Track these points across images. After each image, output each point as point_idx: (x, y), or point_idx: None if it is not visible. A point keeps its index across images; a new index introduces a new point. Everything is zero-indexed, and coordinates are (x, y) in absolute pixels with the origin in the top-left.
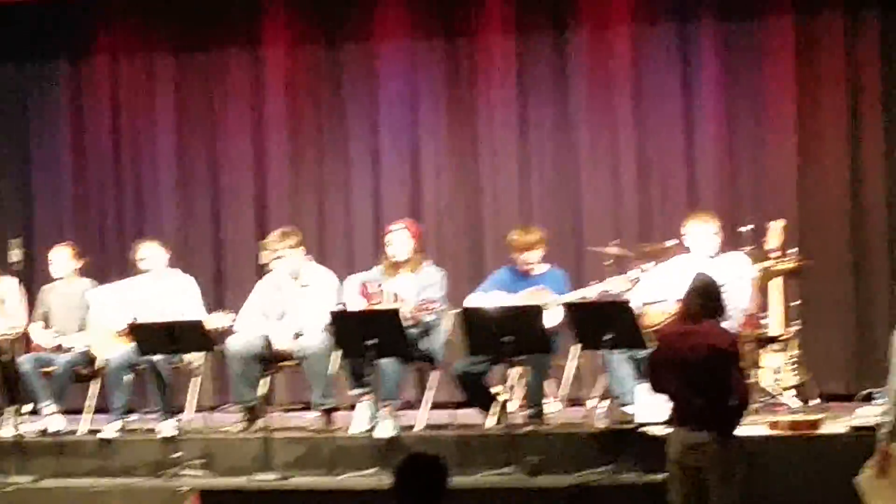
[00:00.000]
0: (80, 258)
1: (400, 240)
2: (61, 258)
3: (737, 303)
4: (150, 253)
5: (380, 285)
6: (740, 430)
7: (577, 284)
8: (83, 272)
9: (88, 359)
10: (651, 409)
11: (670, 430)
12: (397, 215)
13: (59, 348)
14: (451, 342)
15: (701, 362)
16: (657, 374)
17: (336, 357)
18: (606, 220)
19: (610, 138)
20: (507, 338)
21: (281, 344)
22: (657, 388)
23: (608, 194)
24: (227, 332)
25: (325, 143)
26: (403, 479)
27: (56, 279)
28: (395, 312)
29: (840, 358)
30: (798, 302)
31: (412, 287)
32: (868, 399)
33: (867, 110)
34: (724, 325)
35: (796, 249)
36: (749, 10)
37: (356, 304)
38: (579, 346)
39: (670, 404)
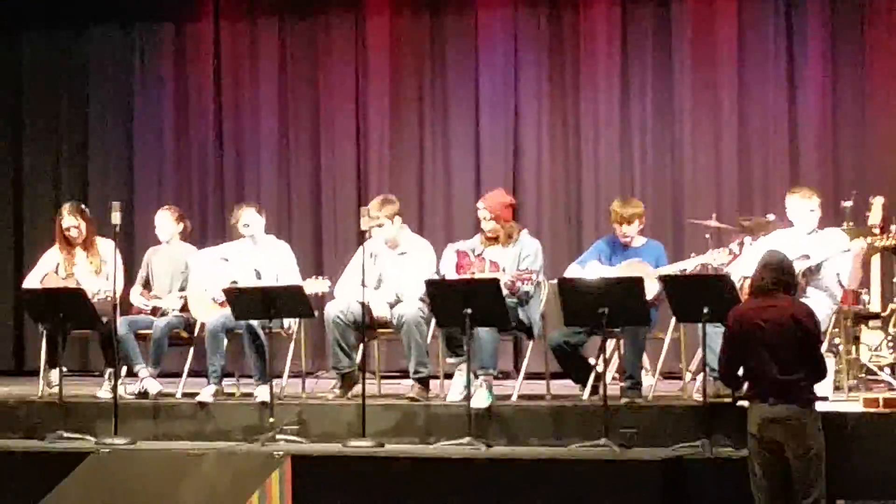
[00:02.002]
0: (182, 221)
1: (483, 217)
2: (165, 222)
3: (838, 278)
4: (253, 218)
5: (478, 254)
6: (836, 406)
7: (676, 256)
8: (185, 236)
9: (187, 322)
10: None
11: (747, 404)
12: (496, 185)
13: (156, 311)
14: (547, 313)
15: (782, 335)
16: (734, 350)
17: (433, 325)
18: (707, 193)
19: (712, 111)
20: (604, 309)
21: (378, 311)
22: (733, 365)
23: (709, 167)
24: (325, 297)
25: (425, 111)
26: None
27: (160, 242)
28: (494, 282)
29: None
30: None
31: (510, 257)
32: None
33: None
34: (825, 300)
35: (894, 226)
36: None
37: (449, 268)
38: (677, 319)
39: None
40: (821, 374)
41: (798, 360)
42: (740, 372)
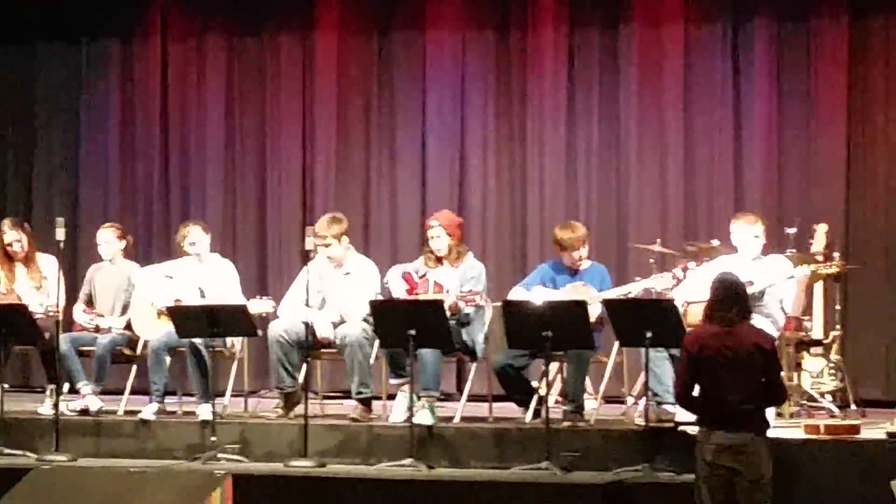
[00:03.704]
0: (124, 239)
1: (437, 235)
2: (107, 239)
3: (781, 305)
4: (199, 236)
5: (422, 275)
6: (778, 433)
7: (620, 280)
8: (127, 253)
9: (130, 340)
10: None
11: (698, 430)
12: (442, 207)
13: (98, 328)
14: (491, 335)
15: (745, 362)
16: (692, 374)
17: (376, 346)
18: (651, 218)
19: (658, 136)
20: (548, 332)
21: (322, 331)
22: (690, 388)
23: (654, 192)
24: (269, 317)
25: (372, 131)
26: None
27: (103, 260)
28: (439, 303)
29: (880, 364)
30: (839, 307)
31: (454, 278)
32: None
33: None
34: (768, 327)
35: (837, 254)
36: (803, 12)
37: (400, 292)
38: (620, 343)
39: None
40: (781, 398)
41: (758, 387)
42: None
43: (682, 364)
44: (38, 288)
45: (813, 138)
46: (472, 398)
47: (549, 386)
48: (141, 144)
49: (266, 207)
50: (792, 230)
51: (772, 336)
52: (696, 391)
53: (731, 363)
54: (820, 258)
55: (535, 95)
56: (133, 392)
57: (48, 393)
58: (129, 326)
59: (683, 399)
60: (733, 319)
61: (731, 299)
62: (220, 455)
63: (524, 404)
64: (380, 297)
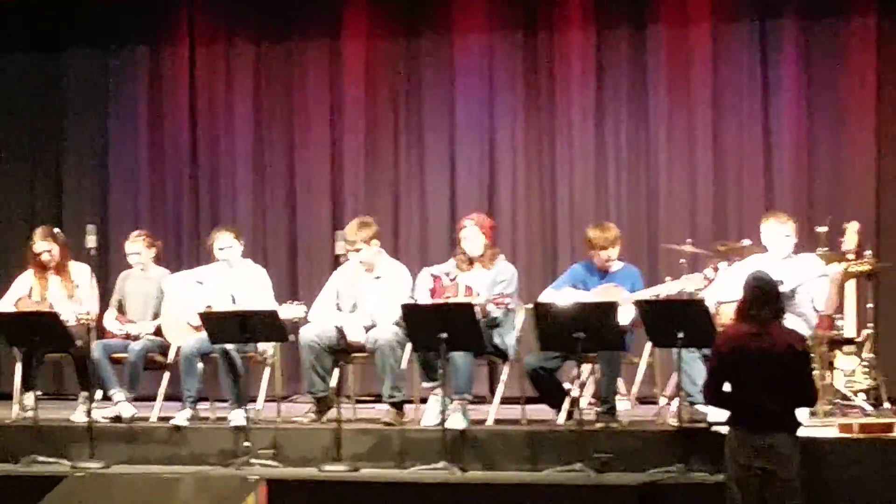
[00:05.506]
0: (153, 246)
1: (472, 236)
2: (136, 249)
3: (813, 303)
4: (229, 242)
5: (453, 278)
6: (811, 432)
7: (651, 282)
8: (158, 258)
9: (162, 346)
10: None
11: (727, 431)
12: (471, 209)
13: (129, 336)
14: (523, 337)
15: (779, 364)
16: (724, 373)
17: (408, 349)
18: (682, 218)
19: (687, 135)
20: (580, 334)
21: (353, 335)
22: (719, 390)
23: (684, 192)
24: (300, 322)
25: (401, 135)
26: None
27: (133, 267)
28: (469, 306)
29: None
30: (871, 305)
31: (485, 281)
32: None
33: None
34: (800, 325)
35: (868, 252)
36: (831, 9)
37: (426, 297)
38: (652, 343)
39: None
40: (813, 399)
41: (791, 389)
42: (727, 387)
43: (713, 362)
44: (70, 296)
45: (843, 136)
46: (505, 401)
47: (582, 387)
48: (170, 150)
49: (296, 212)
50: (823, 229)
51: (804, 336)
52: (727, 388)
53: (765, 364)
54: (851, 256)
55: (564, 97)
56: (166, 398)
57: (81, 400)
58: (160, 333)
59: (713, 397)
60: (766, 319)
61: (765, 299)
62: (253, 460)
63: (557, 406)
64: (411, 301)
